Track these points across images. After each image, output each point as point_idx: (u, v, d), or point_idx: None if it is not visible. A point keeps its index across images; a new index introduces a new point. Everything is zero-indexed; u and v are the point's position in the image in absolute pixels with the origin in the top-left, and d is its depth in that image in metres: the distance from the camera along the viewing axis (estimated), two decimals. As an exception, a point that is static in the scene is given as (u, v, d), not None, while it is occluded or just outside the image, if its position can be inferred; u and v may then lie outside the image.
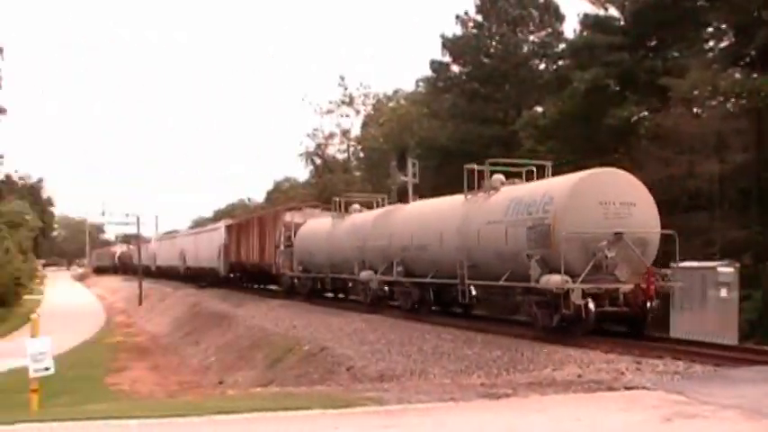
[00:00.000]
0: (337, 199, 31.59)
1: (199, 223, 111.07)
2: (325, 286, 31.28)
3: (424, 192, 34.85)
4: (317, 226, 32.08)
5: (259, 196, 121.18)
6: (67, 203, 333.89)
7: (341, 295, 31.62)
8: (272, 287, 40.69)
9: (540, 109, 44.28)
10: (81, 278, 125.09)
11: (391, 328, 21.02)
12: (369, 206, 30.47)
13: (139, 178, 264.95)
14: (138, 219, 72.29)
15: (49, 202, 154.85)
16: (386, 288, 25.18)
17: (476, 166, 20.48)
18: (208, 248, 52.60)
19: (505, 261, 17.87)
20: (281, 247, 35.17)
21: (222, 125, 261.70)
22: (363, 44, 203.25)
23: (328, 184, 68.88)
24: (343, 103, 75.95)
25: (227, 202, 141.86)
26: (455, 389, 12.11)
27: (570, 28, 66.01)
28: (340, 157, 78.69)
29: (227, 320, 32.40)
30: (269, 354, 23.58)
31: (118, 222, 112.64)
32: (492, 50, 49.21)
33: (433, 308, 23.32)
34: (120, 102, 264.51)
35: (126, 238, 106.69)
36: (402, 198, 40.82)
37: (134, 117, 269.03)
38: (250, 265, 41.78)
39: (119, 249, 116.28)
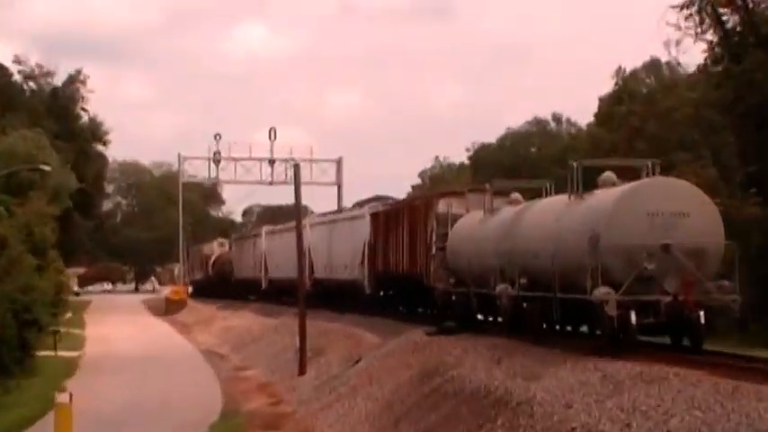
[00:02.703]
0: (487, 185, 32.46)
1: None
2: (473, 307, 30.59)
3: None
4: (470, 221, 31.82)
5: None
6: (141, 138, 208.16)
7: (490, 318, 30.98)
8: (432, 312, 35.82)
9: None
10: (171, 310, 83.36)
11: None
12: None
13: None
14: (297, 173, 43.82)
15: (95, 135, 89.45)
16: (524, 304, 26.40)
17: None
18: (346, 249, 47.72)
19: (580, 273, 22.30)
20: (433, 250, 34.03)
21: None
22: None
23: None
24: None
25: (423, 166, 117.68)
26: None
27: None
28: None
29: (509, 416, 18.68)
30: None
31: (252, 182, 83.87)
32: None
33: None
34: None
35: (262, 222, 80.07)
36: None
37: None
38: (398, 275, 39.38)
39: (216, 250, 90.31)
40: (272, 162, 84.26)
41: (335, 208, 73.16)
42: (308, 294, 44.76)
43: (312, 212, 74.28)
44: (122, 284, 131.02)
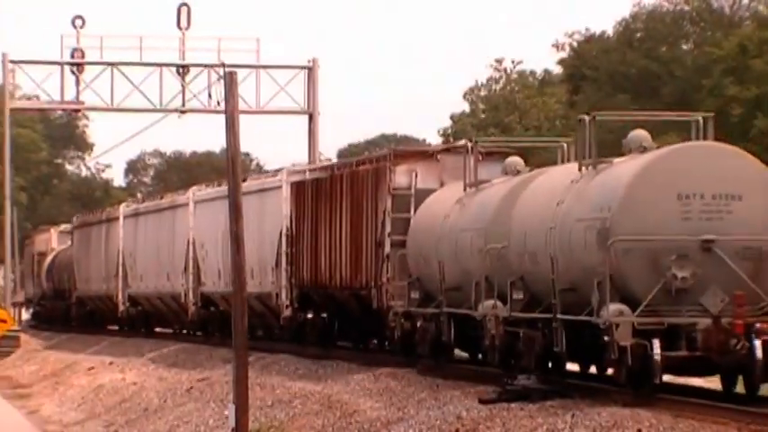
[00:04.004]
0: (467, 142, 25.87)
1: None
2: (445, 337, 23.38)
3: None
4: (443, 201, 24.83)
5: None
6: None
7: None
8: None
9: None
10: None
11: None
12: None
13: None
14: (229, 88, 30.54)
15: None
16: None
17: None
18: (250, 243, 31.50)
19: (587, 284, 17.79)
20: (387, 248, 26.30)
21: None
22: None
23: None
24: None
25: (473, 80, 76.44)
26: None
27: None
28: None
29: None
30: None
31: (146, 109, 46.38)
32: None
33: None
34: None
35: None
36: None
37: None
38: (334, 289, 29.52)
39: (54, 244, 59.15)
40: (182, 70, 49.00)
41: (305, 159, 45.51)
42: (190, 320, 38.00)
43: (261, 167, 48.38)
44: None
